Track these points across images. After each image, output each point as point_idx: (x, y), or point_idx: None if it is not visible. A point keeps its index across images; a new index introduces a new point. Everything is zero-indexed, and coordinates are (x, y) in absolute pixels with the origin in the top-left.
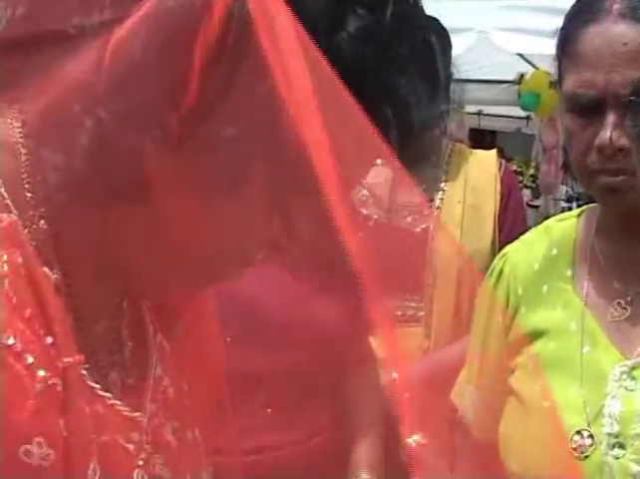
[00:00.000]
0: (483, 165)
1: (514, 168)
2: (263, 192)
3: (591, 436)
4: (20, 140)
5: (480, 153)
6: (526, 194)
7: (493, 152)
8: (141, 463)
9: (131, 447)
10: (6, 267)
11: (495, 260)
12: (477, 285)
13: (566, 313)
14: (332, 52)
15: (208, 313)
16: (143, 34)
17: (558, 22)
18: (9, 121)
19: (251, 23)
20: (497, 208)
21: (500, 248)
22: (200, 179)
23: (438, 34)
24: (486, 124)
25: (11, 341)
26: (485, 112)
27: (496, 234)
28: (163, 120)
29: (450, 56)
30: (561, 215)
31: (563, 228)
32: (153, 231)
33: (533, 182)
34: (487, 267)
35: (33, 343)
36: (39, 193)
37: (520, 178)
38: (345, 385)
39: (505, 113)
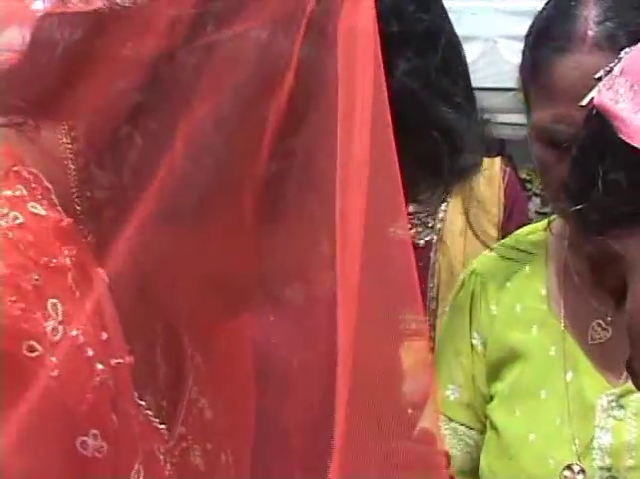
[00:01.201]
0: (488, 173)
1: (524, 175)
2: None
3: (582, 471)
4: (69, 156)
5: (484, 161)
6: (536, 201)
7: (498, 159)
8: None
9: (163, 460)
10: (68, 262)
11: (463, 277)
12: None
13: (544, 336)
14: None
15: (243, 337)
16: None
17: None
18: (59, 136)
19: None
20: (502, 217)
21: None
22: (245, 206)
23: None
24: (495, 131)
25: (74, 333)
26: (494, 119)
27: None
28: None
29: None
30: (529, 227)
31: (533, 243)
32: (194, 254)
33: (543, 189)
34: None
35: (92, 337)
36: (87, 208)
37: (530, 185)
38: None
39: (515, 120)
